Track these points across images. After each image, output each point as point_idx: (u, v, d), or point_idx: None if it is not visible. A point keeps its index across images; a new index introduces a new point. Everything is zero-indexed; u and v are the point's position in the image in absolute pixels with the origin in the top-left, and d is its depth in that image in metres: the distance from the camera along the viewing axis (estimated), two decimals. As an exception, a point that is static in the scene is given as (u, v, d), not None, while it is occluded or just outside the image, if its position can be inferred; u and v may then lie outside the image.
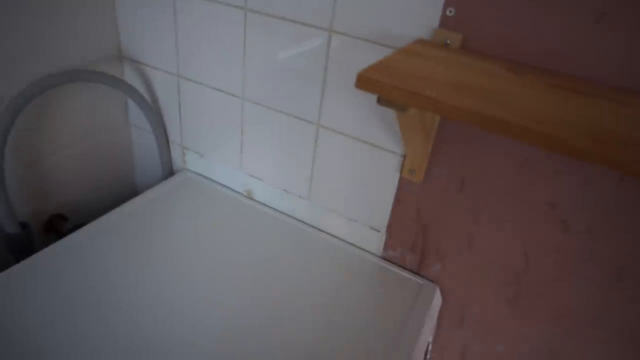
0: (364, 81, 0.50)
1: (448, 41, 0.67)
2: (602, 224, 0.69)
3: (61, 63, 0.92)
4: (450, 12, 0.66)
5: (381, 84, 0.50)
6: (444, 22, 0.67)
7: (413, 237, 0.87)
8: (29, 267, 0.80)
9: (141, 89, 1.06)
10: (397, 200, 0.85)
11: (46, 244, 1.00)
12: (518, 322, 0.83)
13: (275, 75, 0.86)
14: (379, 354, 0.73)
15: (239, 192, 1.05)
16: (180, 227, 0.93)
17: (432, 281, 0.88)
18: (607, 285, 0.72)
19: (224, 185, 1.07)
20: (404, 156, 0.80)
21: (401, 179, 0.82)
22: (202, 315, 0.75)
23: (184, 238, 0.90)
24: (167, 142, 1.09)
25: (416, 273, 0.90)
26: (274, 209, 1.01)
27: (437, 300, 0.88)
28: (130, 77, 1.06)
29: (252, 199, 1.04)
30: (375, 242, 0.91)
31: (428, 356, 0.95)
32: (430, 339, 0.90)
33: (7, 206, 0.88)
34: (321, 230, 0.97)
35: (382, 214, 0.88)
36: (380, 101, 0.53)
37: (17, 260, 0.93)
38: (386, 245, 0.91)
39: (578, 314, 0.76)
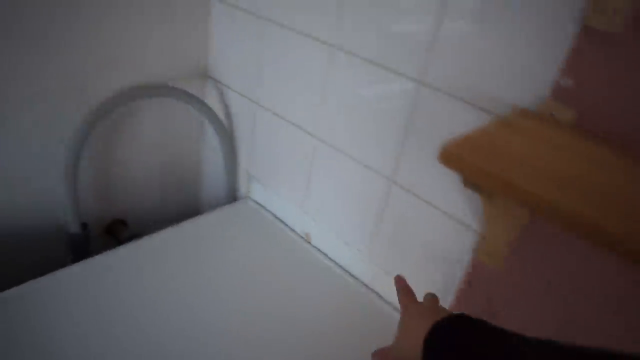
0: (448, 157, 0.42)
1: (556, 114, 0.56)
2: None
3: (149, 74, 0.93)
4: (566, 82, 0.55)
5: (467, 164, 0.42)
6: (556, 93, 0.56)
7: (478, 327, 0.74)
8: (84, 270, 0.82)
9: (219, 110, 1.05)
10: (467, 282, 0.74)
11: (104, 246, 1.02)
12: None
13: (354, 119, 0.80)
14: None
15: (297, 233, 0.99)
16: (232, 255, 0.91)
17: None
18: None
19: (283, 222, 1.01)
20: (483, 237, 0.69)
21: (475, 260, 0.71)
22: (234, 348, 0.70)
23: (233, 267, 0.88)
24: (236, 167, 1.07)
25: None
26: (329, 258, 0.94)
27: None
28: (211, 96, 1.06)
29: (309, 242, 0.97)
30: (434, 320, 0.80)
31: None
32: None
33: (75, 208, 0.90)
34: (376, 294, 0.87)
35: (446, 291, 0.77)
36: (464, 182, 0.44)
37: (74, 259, 0.95)
38: (445, 328, 0.79)
39: None
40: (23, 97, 0.79)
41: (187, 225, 0.96)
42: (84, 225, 0.95)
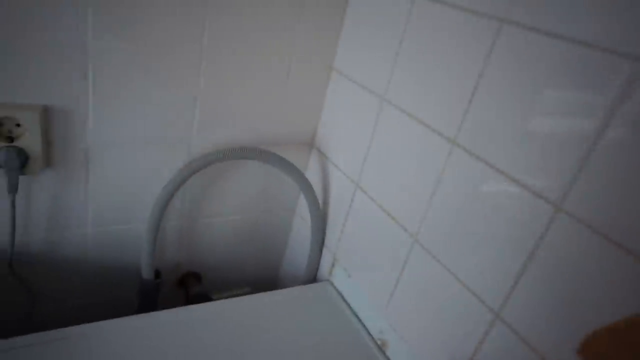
0: (591, 354, 0.28)
1: None
2: None
3: (255, 135, 0.90)
4: None
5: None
6: None
7: None
8: (148, 322, 0.78)
9: (318, 183, 0.98)
10: None
11: (173, 296, 0.98)
12: None
13: (464, 230, 0.67)
14: None
15: (371, 336, 0.85)
16: (297, 340, 0.81)
17: None
18: None
19: (359, 320, 0.89)
20: None
21: None
22: None
23: (294, 352, 0.77)
24: (322, 246, 0.98)
25: None
26: (403, 379, 0.78)
27: None
28: (313, 168, 1.00)
29: (384, 352, 0.83)
30: None
31: None
32: None
33: (152, 257, 0.87)
34: None
35: None
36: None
37: (141, 304, 0.92)
38: None
39: None
40: (128, 138, 0.79)
41: (260, 298, 0.89)
42: (157, 273, 0.92)
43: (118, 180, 0.83)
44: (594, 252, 0.51)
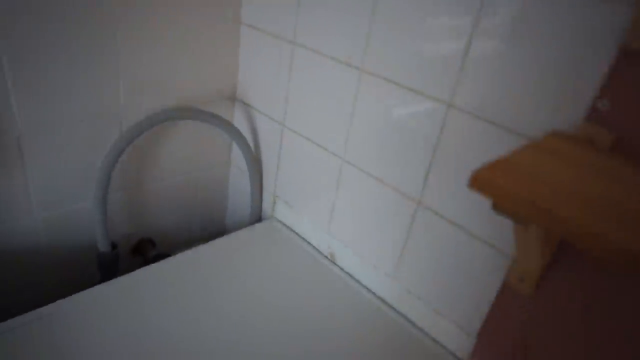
0: (479, 182, 0.41)
1: (592, 137, 0.55)
2: None
3: (180, 96, 0.95)
4: (604, 104, 0.54)
5: (499, 189, 0.41)
6: (594, 115, 0.55)
7: (509, 355, 0.72)
8: (111, 289, 0.82)
9: (247, 132, 1.07)
10: (498, 307, 0.72)
11: (131, 265, 1.03)
12: None
13: (382, 141, 0.80)
14: None
15: (321, 253, 0.99)
16: (256, 274, 0.91)
17: (526, 412, 0.73)
18: None
19: (308, 242, 1.01)
20: (515, 260, 0.67)
21: (506, 284, 0.70)
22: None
23: (258, 285, 0.88)
24: (261, 188, 1.08)
25: (507, 396, 0.75)
26: (354, 278, 0.93)
27: None
28: (239, 119, 1.08)
29: (334, 262, 0.97)
30: (462, 344, 0.78)
31: None
32: None
33: (105, 227, 0.91)
34: (401, 315, 0.86)
35: (475, 315, 0.75)
36: (495, 207, 0.43)
37: (102, 277, 0.96)
38: (474, 353, 0.77)
39: None
40: (58, 120, 0.81)
41: (213, 245, 0.97)
42: (114, 245, 0.97)
43: (57, 162, 0.84)
44: (478, 132, 0.66)
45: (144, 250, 1.06)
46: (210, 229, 1.19)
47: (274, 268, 0.93)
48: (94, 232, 0.94)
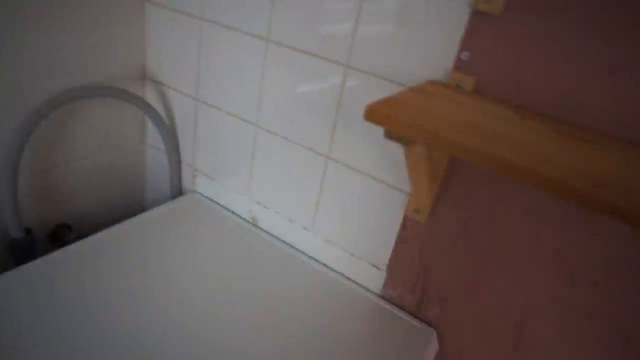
0: (372, 113, 0.51)
1: (461, 84, 0.68)
2: (613, 281, 0.67)
3: (87, 77, 0.95)
4: (465, 56, 0.67)
5: (388, 117, 0.51)
6: (459, 65, 0.68)
7: (414, 278, 0.85)
8: (28, 272, 0.80)
9: (160, 110, 1.09)
10: (400, 239, 0.84)
11: (49, 252, 1.01)
12: (517, 378, 0.80)
13: (290, 105, 0.88)
14: (368, 396, 0.70)
15: (244, 218, 1.05)
16: (180, 246, 0.93)
17: (429, 325, 0.86)
18: (613, 347, 0.69)
19: (230, 210, 1.07)
20: (410, 194, 0.80)
21: (406, 218, 0.82)
22: (188, 336, 0.74)
23: (182, 258, 0.90)
24: (179, 162, 1.11)
25: (414, 315, 0.87)
26: (276, 237, 1.01)
27: (433, 346, 0.85)
28: (151, 97, 1.10)
29: (256, 225, 1.03)
30: (375, 280, 0.90)
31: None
32: (425, 387, 0.86)
33: (15, 210, 0.89)
34: (321, 263, 0.95)
35: (384, 251, 0.87)
36: (387, 134, 0.53)
37: (17, 266, 0.94)
38: (386, 284, 0.89)
39: (580, 374, 0.73)
40: (-41, 100, 0.78)
41: (133, 222, 0.97)
42: (28, 230, 0.94)
43: (-43, 145, 0.81)
44: (372, 88, 0.77)
45: (62, 236, 1.04)
46: (131, 209, 1.19)
47: (197, 238, 0.96)
48: (4, 222, 0.91)
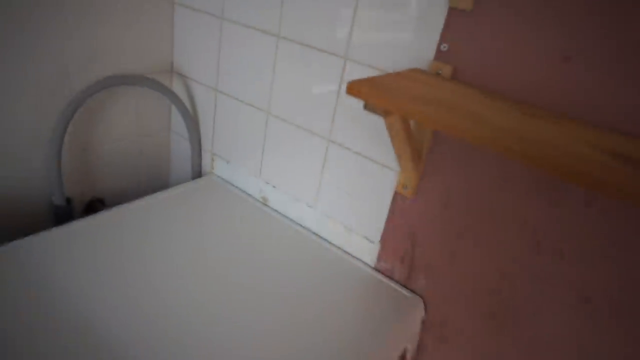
0: (351, 89, 0.62)
1: (440, 71, 0.78)
2: (573, 248, 0.75)
3: (122, 68, 1.09)
4: (444, 47, 0.77)
5: (364, 91, 0.62)
6: (438, 55, 0.78)
7: (403, 251, 0.94)
8: (66, 232, 0.94)
9: (185, 100, 1.22)
10: (391, 214, 0.94)
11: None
12: (494, 339, 0.88)
13: (297, 94, 1.00)
14: (353, 357, 0.80)
15: (255, 198, 1.17)
16: (197, 220, 1.05)
17: (417, 294, 0.95)
18: (575, 308, 0.77)
19: (243, 191, 1.19)
20: (399, 172, 0.89)
21: (395, 194, 0.92)
22: (195, 302, 0.85)
23: (198, 230, 1.02)
24: (200, 148, 1.24)
25: (404, 285, 0.96)
26: (284, 215, 1.12)
27: (420, 312, 0.93)
28: (177, 89, 1.23)
29: (266, 204, 1.15)
30: (370, 252, 0.99)
31: (410, 371, 1.00)
32: (410, 350, 0.95)
33: (60, 181, 1.03)
34: (323, 239, 1.06)
35: (377, 226, 0.96)
36: (365, 106, 0.64)
37: (57, 232, 1.07)
38: (379, 257, 0.98)
39: (549, 334, 0.81)
40: (18, 84, 0.93)
41: (156, 197, 1.10)
42: (68, 200, 1.08)
43: (13, 123, 0.96)
44: (365, 75, 0.88)
45: (95, 209, 1.18)
46: (156, 188, 1.33)
47: (213, 214, 1.08)
48: (49, 189, 1.05)
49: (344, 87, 0.92)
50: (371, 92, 0.62)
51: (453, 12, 0.75)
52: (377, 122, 0.89)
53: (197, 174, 1.25)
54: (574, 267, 0.75)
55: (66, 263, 0.85)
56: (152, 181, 1.31)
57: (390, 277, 0.98)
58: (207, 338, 0.76)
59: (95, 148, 1.13)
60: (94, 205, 1.18)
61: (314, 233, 1.07)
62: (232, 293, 0.86)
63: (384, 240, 0.97)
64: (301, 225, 1.09)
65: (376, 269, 1.00)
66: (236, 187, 1.20)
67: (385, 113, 0.64)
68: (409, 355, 0.93)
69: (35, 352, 0.68)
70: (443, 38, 0.77)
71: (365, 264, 1.01)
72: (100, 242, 0.92)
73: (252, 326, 0.80)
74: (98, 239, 0.93)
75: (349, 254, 1.03)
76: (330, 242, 1.05)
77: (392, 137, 0.74)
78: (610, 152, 0.55)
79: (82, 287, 0.81)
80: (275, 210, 1.13)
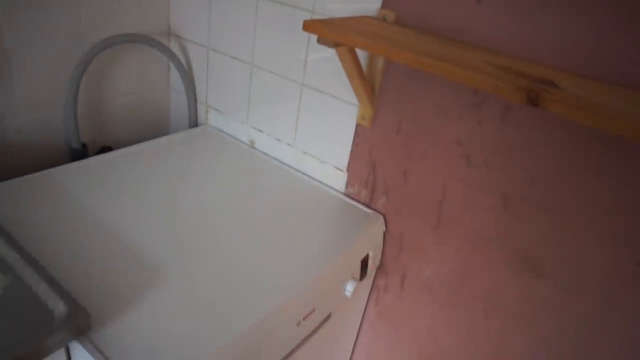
0: (307, 26, 0.79)
1: (386, 17, 0.95)
2: (494, 158, 0.92)
3: (126, 30, 1.27)
4: (389, -3, 0.94)
5: (317, 27, 0.79)
6: (385, 4, 0.95)
7: (366, 175, 1.12)
8: (80, 167, 1.12)
9: (181, 58, 1.40)
10: (355, 144, 1.11)
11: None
12: (440, 248, 1.06)
13: (275, 45, 1.17)
14: (325, 261, 0.98)
15: (244, 142, 1.35)
16: (193, 163, 1.23)
17: (379, 212, 1.13)
18: (497, 210, 0.95)
19: (233, 137, 1.37)
20: (359, 107, 1.07)
21: (357, 126, 1.09)
22: (187, 230, 1.04)
23: (194, 171, 1.21)
24: (195, 101, 1.41)
25: (368, 206, 1.15)
26: (268, 155, 1.30)
27: (381, 227, 1.12)
28: (174, 48, 1.40)
29: (253, 147, 1.33)
30: (340, 180, 1.17)
31: (375, 282, 1.18)
32: (372, 257, 1.13)
33: (75, 128, 1.22)
34: (302, 173, 1.24)
35: (344, 156, 1.14)
36: (318, 40, 0.81)
37: (75, 173, 1.26)
38: (347, 183, 1.16)
39: (481, 236, 0.99)
40: (39, 44, 1.11)
41: (156, 142, 1.28)
42: (84, 145, 1.27)
43: (37, 75, 1.14)
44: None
45: (106, 155, 1.36)
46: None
47: (207, 157, 1.26)
48: (67, 136, 1.23)
49: (312, 38, 1.09)
50: (323, 28, 0.79)
51: (394, -33, 0.92)
52: (340, 68, 1.06)
53: (194, 124, 1.43)
54: (498, 175, 0.93)
55: (82, 189, 1.04)
56: (155, 133, 1.49)
57: (358, 200, 1.16)
58: (202, 249, 0.95)
59: (105, 101, 1.31)
60: (104, 152, 1.36)
61: (295, 169, 1.25)
62: (223, 215, 1.04)
63: (350, 168, 1.14)
64: (283, 162, 1.27)
65: (346, 195, 1.18)
66: (228, 134, 1.38)
67: (335, 45, 0.81)
68: (371, 262, 1.12)
69: (71, 251, 0.87)
70: (388, -11, 0.94)
71: (337, 191, 1.19)
72: (111, 176, 1.11)
73: (241, 240, 0.98)
74: (110, 173, 1.11)
75: (324, 183, 1.21)
76: (308, 175, 1.23)
77: (346, 70, 0.91)
78: (498, 66, 0.73)
79: (97, 206, 1.00)
80: (262, 152, 1.31)
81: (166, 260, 0.87)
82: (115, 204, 1.00)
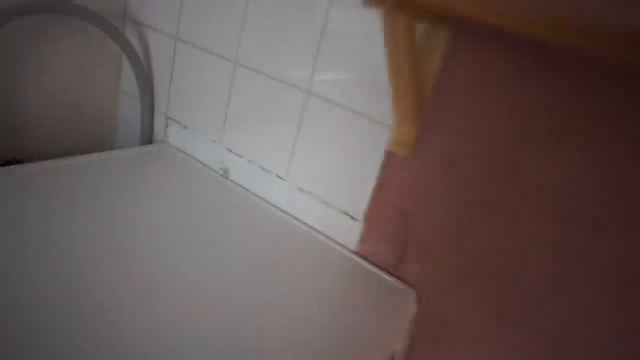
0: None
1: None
2: (609, 220, 0.58)
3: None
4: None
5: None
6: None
7: (392, 228, 0.76)
8: None
9: (138, 50, 1.03)
10: (380, 182, 0.76)
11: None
12: (504, 346, 0.69)
13: (272, 36, 0.82)
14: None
15: (214, 170, 0.97)
16: (139, 191, 0.84)
17: (409, 285, 0.76)
18: (610, 293, 0.60)
19: (200, 162, 0.99)
20: (393, 127, 0.72)
21: (387, 155, 0.74)
22: (124, 285, 0.64)
23: (138, 202, 0.81)
24: (152, 109, 1.04)
25: (392, 274, 0.78)
26: (247, 189, 0.92)
27: (411, 308, 0.75)
28: (130, 36, 1.04)
29: (227, 177, 0.95)
30: (352, 233, 0.81)
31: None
32: (399, 354, 0.75)
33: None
34: (296, 219, 0.87)
35: (361, 198, 0.78)
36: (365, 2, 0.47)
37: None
38: (363, 238, 0.80)
39: (581, 336, 0.63)
40: None
41: (100, 156, 0.90)
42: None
43: None
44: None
45: (14, 173, 0.95)
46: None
47: (160, 185, 0.87)
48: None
49: (327, 33, 0.75)
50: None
51: None
52: (363, 68, 0.72)
53: (148, 139, 1.04)
54: (607, 236, 0.59)
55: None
56: (92, 147, 1.10)
57: (376, 264, 0.79)
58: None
59: (19, 98, 0.92)
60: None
61: (286, 212, 0.88)
62: (173, 280, 0.65)
63: (369, 216, 0.78)
64: (270, 203, 0.90)
65: (359, 254, 0.81)
66: (192, 157, 1.00)
67: (391, 6, 0.47)
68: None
69: None
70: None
71: (346, 248, 0.82)
72: (12, 196, 0.70)
73: (200, 334, 0.59)
74: (11, 192, 0.71)
75: (327, 236, 0.84)
76: (305, 224, 0.86)
77: (391, 63, 0.57)
78: None
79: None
80: (238, 185, 0.94)
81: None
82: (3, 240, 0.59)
